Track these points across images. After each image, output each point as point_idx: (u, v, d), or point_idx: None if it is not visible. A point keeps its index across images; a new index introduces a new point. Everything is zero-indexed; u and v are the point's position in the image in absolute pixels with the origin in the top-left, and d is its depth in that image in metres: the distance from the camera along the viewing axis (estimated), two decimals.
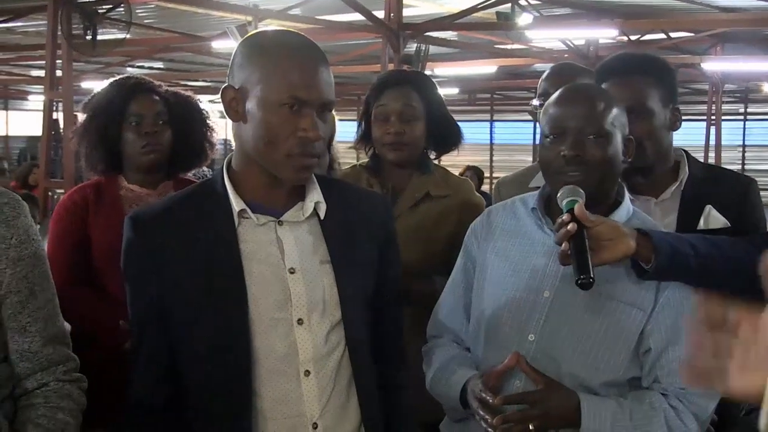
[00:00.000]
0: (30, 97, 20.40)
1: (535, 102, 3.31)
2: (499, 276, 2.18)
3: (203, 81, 17.11)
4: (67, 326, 2.28)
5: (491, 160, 20.80)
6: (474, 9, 10.87)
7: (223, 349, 1.82)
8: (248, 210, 1.85)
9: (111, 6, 8.91)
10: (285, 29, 2.37)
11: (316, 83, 1.80)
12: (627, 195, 2.27)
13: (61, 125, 8.74)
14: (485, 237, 2.27)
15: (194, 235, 1.87)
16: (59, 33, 8.21)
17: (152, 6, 11.21)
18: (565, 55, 13.31)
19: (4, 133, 19.73)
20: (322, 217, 1.91)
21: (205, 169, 3.76)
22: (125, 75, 3.32)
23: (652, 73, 2.59)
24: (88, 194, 3.04)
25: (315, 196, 1.91)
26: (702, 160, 3.29)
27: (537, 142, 11.82)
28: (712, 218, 2.75)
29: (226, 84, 1.83)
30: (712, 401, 2.13)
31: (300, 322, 1.85)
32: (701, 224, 2.71)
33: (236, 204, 1.84)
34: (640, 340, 2.12)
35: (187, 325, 1.86)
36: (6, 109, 21.62)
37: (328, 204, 1.93)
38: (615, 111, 2.12)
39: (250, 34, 1.90)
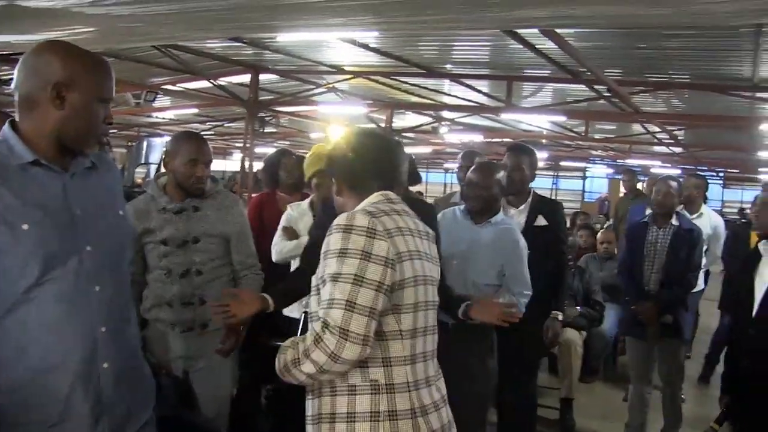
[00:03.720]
0: (234, 154, 24.33)
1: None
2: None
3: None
4: None
5: None
6: (418, 126, 14.52)
7: None
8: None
9: (271, 117, 13.54)
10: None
11: None
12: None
13: (246, 167, 11.59)
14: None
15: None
16: (249, 127, 11.51)
17: (286, 119, 14.72)
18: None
19: (222, 169, 23.11)
20: None
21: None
22: (280, 148, 4.58)
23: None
24: (264, 198, 3.92)
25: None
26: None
27: None
28: (540, 220, 3.63)
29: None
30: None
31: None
32: (536, 223, 3.61)
33: None
34: (502, 269, 3.05)
35: None
36: (224, 159, 25.85)
37: None
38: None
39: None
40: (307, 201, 3.44)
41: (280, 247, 3.31)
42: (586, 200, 28.41)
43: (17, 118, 1.66)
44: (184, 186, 2.71)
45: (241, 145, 12.89)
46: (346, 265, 1.70)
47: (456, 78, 9.94)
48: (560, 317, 3.65)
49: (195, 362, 2.77)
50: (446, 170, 29.12)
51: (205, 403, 2.77)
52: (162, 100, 13.14)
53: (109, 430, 1.68)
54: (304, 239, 3.03)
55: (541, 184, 30.28)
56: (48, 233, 1.58)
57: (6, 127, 1.64)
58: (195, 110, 13.75)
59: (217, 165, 24.57)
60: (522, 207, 3.66)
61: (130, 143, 16.90)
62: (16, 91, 1.63)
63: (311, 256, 2.59)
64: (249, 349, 3.09)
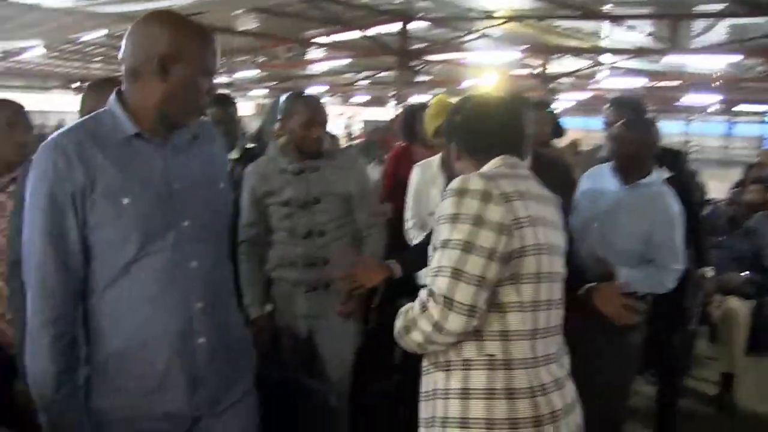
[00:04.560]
0: (391, 103, 22.02)
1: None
2: None
3: None
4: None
5: None
6: (575, 71, 13.86)
7: None
8: None
9: (422, 66, 13.66)
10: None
11: None
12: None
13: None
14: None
15: None
16: (399, 77, 12.34)
17: (439, 66, 15.04)
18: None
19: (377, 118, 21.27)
20: None
21: None
22: (419, 102, 4.40)
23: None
24: (399, 151, 3.81)
25: None
26: None
27: None
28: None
29: None
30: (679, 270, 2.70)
31: None
32: None
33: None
34: (649, 236, 2.67)
35: None
36: (381, 108, 23.58)
37: None
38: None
39: None
40: (437, 160, 3.06)
41: (412, 236, 3.02)
42: (765, 147, 25.75)
43: (123, 89, 1.65)
44: (300, 147, 2.69)
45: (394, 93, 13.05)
46: (457, 230, 1.60)
47: (615, 19, 9.25)
48: (709, 273, 3.31)
49: (318, 321, 2.78)
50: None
51: (327, 364, 2.79)
52: (316, 53, 13.40)
53: (207, 400, 1.70)
54: None
55: (713, 130, 28.00)
56: (147, 208, 1.59)
57: (112, 97, 1.64)
58: (347, 61, 13.84)
59: (374, 114, 24.95)
60: None
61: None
62: (123, 62, 1.61)
63: None
64: (378, 309, 3.03)
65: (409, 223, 3.07)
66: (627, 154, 2.78)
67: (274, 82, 18.78)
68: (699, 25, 9.75)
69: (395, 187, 3.37)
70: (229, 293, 1.82)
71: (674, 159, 3.38)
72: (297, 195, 2.70)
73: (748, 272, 4.48)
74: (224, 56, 11.83)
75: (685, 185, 3.30)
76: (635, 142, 2.76)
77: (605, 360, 2.63)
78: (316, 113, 2.66)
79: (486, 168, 1.78)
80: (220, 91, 3.73)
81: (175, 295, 1.63)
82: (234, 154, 3.12)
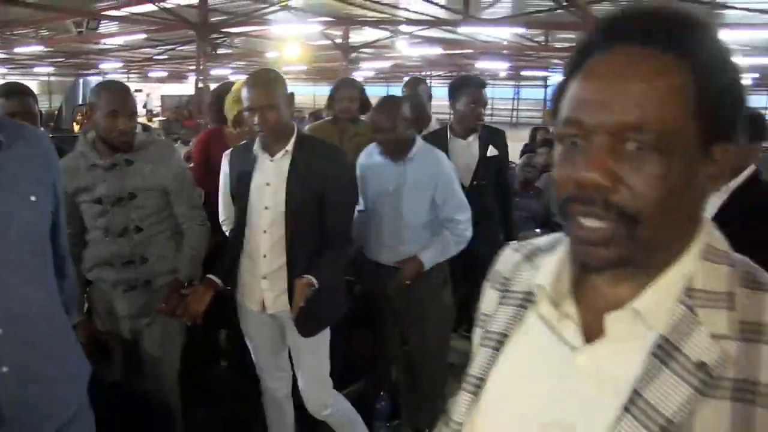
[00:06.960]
0: (190, 77, 22.86)
1: None
2: None
3: None
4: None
5: None
6: (375, 41, 14.04)
7: (240, 221, 2.51)
8: (261, 151, 2.48)
9: (223, 39, 13.82)
10: None
11: None
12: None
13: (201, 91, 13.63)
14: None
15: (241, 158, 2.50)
16: (200, 51, 12.75)
17: (240, 39, 15.25)
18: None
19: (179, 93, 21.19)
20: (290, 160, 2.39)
21: None
22: (226, 81, 4.09)
23: None
24: (211, 135, 3.66)
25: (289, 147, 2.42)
26: None
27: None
28: (491, 150, 3.61)
29: None
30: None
31: (266, 207, 2.42)
32: (488, 153, 3.60)
33: (256, 148, 2.48)
34: (434, 200, 2.78)
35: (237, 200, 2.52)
36: (180, 83, 23.91)
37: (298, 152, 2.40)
38: None
39: None
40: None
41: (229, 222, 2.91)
42: (548, 109, 28.17)
43: None
44: (107, 141, 2.52)
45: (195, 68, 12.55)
46: None
47: None
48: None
49: (140, 321, 2.66)
50: None
51: (152, 362, 2.69)
52: (109, 26, 12.53)
53: None
54: None
55: (503, 95, 30.15)
56: None
57: None
58: (143, 35, 13.14)
59: (173, 89, 23.87)
60: (471, 138, 3.61)
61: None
62: None
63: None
64: None
65: (222, 216, 2.90)
66: (388, 139, 2.82)
67: (61, 59, 17.20)
68: None
69: (209, 172, 3.19)
70: (45, 315, 1.61)
71: (502, 138, 3.69)
72: (110, 191, 2.54)
73: (538, 230, 4.87)
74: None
75: (507, 163, 3.64)
76: (393, 125, 2.80)
77: (428, 317, 2.83)
78: (121, 104, 2.48)
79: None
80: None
81: None
82: None
